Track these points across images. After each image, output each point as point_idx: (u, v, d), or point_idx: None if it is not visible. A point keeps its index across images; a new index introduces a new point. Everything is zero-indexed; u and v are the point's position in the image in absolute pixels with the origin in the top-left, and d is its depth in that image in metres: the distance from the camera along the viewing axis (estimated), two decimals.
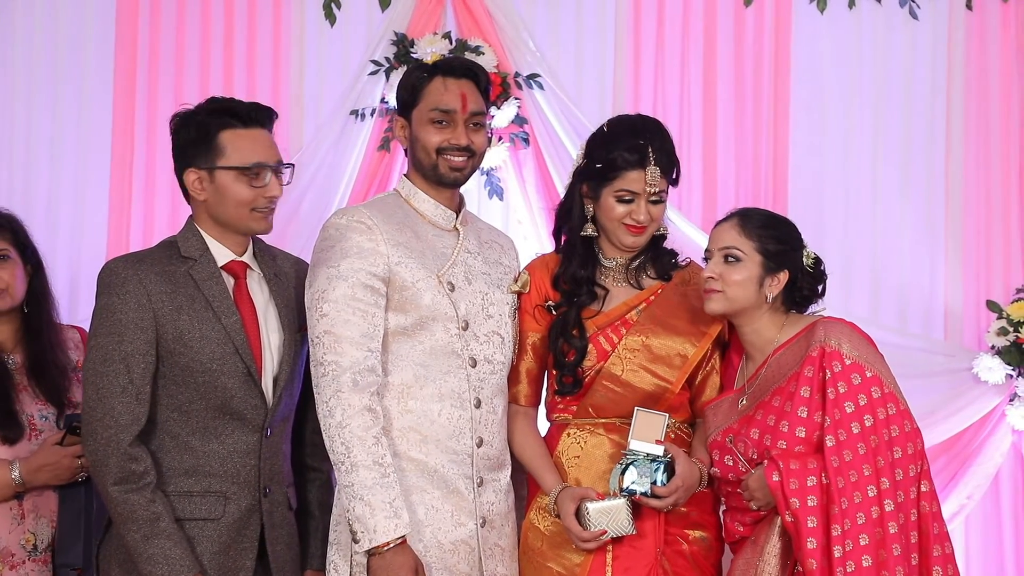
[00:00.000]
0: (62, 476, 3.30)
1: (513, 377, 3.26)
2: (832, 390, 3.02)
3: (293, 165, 3.14)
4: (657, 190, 3.15)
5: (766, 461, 3.04)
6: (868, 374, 3.05)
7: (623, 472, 3.09)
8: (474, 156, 3.18)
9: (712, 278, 3.12)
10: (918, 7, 4.77)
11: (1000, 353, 4.60)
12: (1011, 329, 4.60)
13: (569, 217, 3.27)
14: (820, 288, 3.21)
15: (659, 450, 3.08)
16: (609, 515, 3.08)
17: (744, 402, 3.16)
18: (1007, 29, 4.81)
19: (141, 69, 4.61)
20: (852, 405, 3.02)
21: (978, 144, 4.78)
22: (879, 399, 3.04)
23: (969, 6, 4.78)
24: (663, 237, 3.30)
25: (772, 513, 3.07)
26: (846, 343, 3.07)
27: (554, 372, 3.25)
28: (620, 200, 3.17)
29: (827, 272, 3.23)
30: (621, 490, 3.08)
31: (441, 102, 3.14)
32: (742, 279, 3.11)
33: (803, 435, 3.03)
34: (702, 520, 3.22)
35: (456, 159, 3.14)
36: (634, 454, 3.09)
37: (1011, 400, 4.60)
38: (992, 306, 4.70)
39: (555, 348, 3.21)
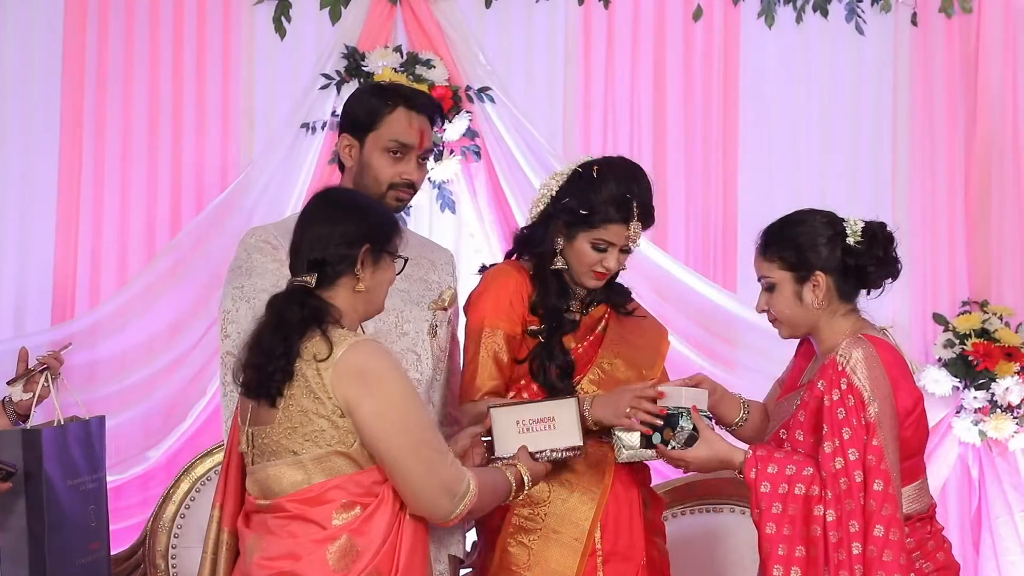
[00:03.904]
0: None
1: (473, 388, 3.15)
2: (827, 399, 2.92)
3: None
4: (635, 241, 3.16)
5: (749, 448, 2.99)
6: (862, 405, 2.91)
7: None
8: (415, 191, 3.19)
9: (765, 311, 3.10)
10: (864, 23, 4.82)
11: (946, 365, 4.65)
12: (957, 342, 4.65)
13: (540, 245, 3.19)
14: (884, 255, 3.02)
15: (690, 407, 3.00)
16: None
17: (798, 401, 3.08)
18: (951, 44, 4.87)
19: (89, 81, 4.56)
20: (849, 431, 2.90)
21: (923, 157, 4.83)
22: (851, 440, 2.92)
23: (915, 22, 4.84)
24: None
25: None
26: (860, 368, 2.92)
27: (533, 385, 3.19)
28: (595, 248, 3.13)
29: (890, 235, 3.04)
30: (668, 414, 2.99)
31: (403, 135, 3.12)
32: (784, 303, 3.06)
33: (801, 438, 2.98)
34: (662, 527, 3.28)
35: (404, 194, 3.16)
36: (677, 410, 3.01)
37: (957, 412, 4.65)
38: (938, 319, 4.75)
39: (541, 370, 3.16)
